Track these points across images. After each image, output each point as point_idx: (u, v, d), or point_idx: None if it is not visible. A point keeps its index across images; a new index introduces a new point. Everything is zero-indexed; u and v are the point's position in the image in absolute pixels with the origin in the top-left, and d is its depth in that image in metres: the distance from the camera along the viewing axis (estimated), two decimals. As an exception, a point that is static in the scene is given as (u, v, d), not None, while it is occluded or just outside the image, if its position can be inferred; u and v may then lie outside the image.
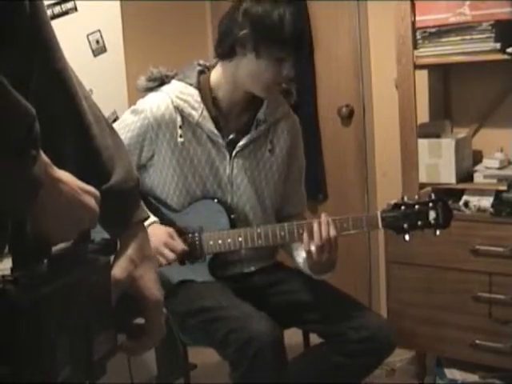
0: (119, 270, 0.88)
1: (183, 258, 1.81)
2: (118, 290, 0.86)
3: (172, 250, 1.76)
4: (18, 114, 0.61)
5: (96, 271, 0.78)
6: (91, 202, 0.75)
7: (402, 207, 1.70)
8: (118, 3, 2.62)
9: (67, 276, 0.72)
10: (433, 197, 1.72)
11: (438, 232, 1.70)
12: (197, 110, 1.81)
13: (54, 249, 0.73)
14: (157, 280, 0.92)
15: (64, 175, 0.71)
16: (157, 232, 1.77)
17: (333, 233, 1.69)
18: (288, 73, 1.76)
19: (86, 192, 0.74)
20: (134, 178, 0.95)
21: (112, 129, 0.94)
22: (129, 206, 0.93)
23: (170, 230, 1.80)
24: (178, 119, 1.81)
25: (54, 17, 2.33)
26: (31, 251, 0.70)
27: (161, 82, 1.87)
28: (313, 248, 1.69)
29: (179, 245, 1.78)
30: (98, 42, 2.52)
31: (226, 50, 1.78)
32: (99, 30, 2.52)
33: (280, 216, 1.97)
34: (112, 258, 0.88)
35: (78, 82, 0.89)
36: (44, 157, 0.67)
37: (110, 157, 0.90)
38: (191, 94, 1.82)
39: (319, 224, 1.70)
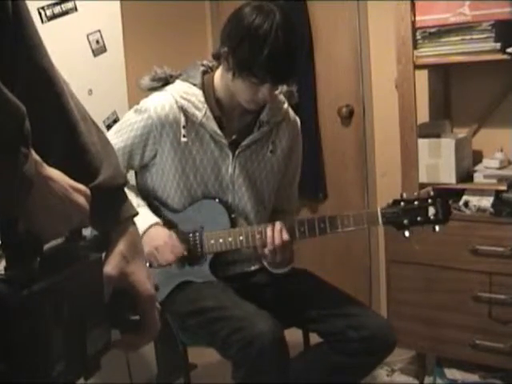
0: (111, 266, 0.88)
1: (182, 261, 1.83)
2: (111, 286, 0.86)
3: (172, 252, 1.78)
4: (10, 111, 0.61)
5: (88, 268, 0.78)
6: (81, 200, 0.75)
7: (402, 203, 1.71)
8: (118, 3, 2.62)
9: (59, 273, 0.72)
10: (432, 193, 1.72)
11: (437, 228, 1.70)
12: (200, 110, 1.81)
13: (46, 246, 0.74)
14: (149, 275, 0.92)
15: (54, 173, 0.71)
16: (159, 233, 1.79)
17: (285, 237, 1.74)
18: (264, 97, 1.73)
19: (77, 190, 0.75)
20: (122, 174, 0.95)
21: (97, 127, 0.95)
22: (118, 202, 0.93)
23: (171, 232, 1.82)
24: (182, 119, 1.81)
25: (54, 17, 2.33)
26: (23, 249, 0.70)
27: (165, 81, 1.87)
28: (266, 252, 1.76)
29: (179, 247, 1.80)
30: (98, 41, 2.52)
31: (216, 57, 1.80)
32: (99, 30, 2.52)
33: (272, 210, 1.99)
34: (104, 254, 0.88)
35: (63, 80, 0.88)
36: (34, 154, 0.67)
37: (98, 153, 0.90)
38: (195, 94, 1.82)
39: (272, 231, 1.75)
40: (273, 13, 1.64)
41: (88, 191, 0.76)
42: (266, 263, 1.86)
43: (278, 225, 1.76)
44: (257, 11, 1.65)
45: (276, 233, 1.75)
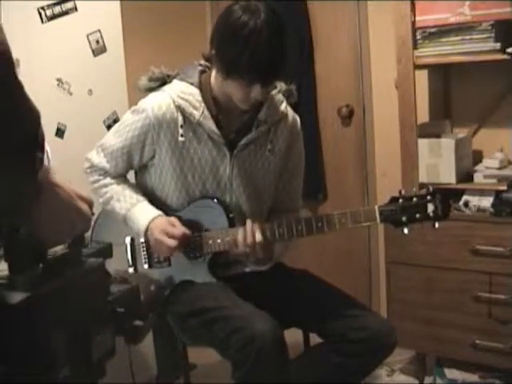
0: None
1: (186, 244, 1.82)
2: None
3: (172, 237, 1.78)
4: (28, 114, 0.61)
5: (90, 274, 0.79)
6: (85, 208, 0.76)
7: (400, 200, 1.70)
8: (118, 3, 2.62)
9: (61, 279, 0.72)
10: (431, 189, 1.70)
11: (437, 224, 1.68)
12: (198, 110, 1.81)
13: (50, 252, 0.74)
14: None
15: (60, 180, 0.72)
16: (158, 223, 1.81)
17: (258, 238, 1.73)
18: (256, 96, 1.72)
19: (81, 198, 0.75)
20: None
21: None
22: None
23: (171, 218, 1.83)
24: (180, 118, 1.81)
25: (54, 17, 2.33)
26: (26, 255, 0.70)
27: (162, 81, 1.87)
28: (240, 251, 1.75)
29: (179, 230, 1.80)
30: (97, 41, 2.52)
31: (208, 59, 1.80)
32: (99, 30, 2.52)
33: (275, 210, 1.98)
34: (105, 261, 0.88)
35: None
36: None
37: None
38: (192, 94, 1.82)
39: (244, 231, 1.74)
40: (258, 12, 1.62)
41: (91, 199, 0.77)
42: (244, 260, 1.85)
43: (248, 225, 1.74)
44: (242, 10, 1.64)
45: (248, 233, 1.74)
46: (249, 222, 1.75)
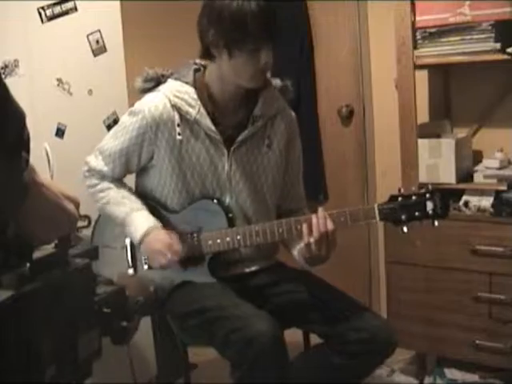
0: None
1: (183, 263, 1.82)
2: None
3: (171, 255, 1.79)
4: (14, 115, 0.61)
5: (76, 274, 0.79)
6: (71, 208, 0.76)
7: (399, 199, 1.69)
8: (118, 3, 2.61)
9: (47, 278, 0.72)
10: (430, 188, 1.70)
11: (436, 223, 1.68)
12: (194, 108, 1.81)
13: (36, 252, 0.74)
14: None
15: (47, 180, 0.72)
16: (157, 237, 1.81)
17: (330, 226, 1.70)
18: (267, 60, 1.74)
19: (67, 198, 0.75)
20: None
21: None
22: None
23: (171, 233, 1.82)
24: (176, 117, 1.81)
25: (54, 17, 2.32)
26: (13, 254, 0.70)
27: (157, 82, 1.88)
28: (312, 241, 1.70)
29: (177, 250, 1.80)
30: (98, 42, 2.52)
31: (204, 53, 1.80)
32: (99, 30, 2.51)
33: (279, 212, 1.97)
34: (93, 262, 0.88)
35: None
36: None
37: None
38: (188, 92, 1.82)
39: (317, 218, 1.71)
40: None
41: (78, 199, 0.77)
42: (302, 258, 1.80)
43: (322, 212, 1.72)
44: None
45: (321, 220, 1.70)
46: (320, 210, 1.72)
